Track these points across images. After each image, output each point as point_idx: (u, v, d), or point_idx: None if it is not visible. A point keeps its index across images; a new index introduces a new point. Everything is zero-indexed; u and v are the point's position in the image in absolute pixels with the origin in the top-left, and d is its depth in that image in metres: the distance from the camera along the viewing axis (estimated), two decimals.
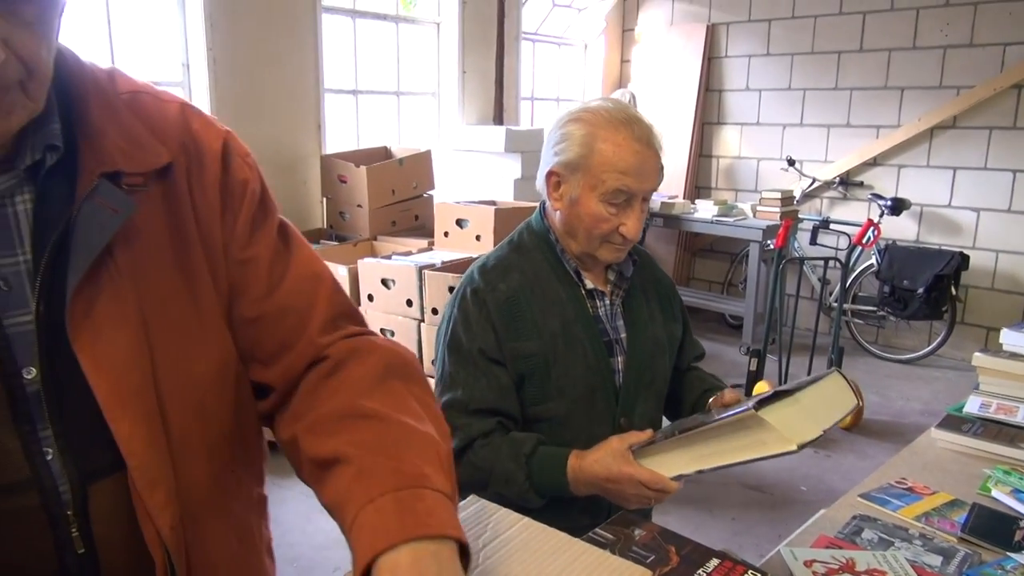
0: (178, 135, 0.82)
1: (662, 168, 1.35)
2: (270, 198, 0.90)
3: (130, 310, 0.75)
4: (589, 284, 1.40)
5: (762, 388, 3.86)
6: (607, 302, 1.42)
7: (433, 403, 0.86)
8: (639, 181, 1.30)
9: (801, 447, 1.06)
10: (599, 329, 1.39)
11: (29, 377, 0.72)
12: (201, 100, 3.70)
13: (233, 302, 0.85)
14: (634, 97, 5.52)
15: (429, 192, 4.35)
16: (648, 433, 1.24)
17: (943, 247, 4.83)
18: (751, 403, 1.10)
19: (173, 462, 0.78)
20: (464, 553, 0.71)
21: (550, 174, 1.36)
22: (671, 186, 5.67)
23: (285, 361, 0.86)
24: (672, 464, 1.19)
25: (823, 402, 1.17)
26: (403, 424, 0.78)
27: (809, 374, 3.98)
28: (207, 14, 3.65)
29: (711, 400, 1.40)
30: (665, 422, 1.50)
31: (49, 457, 0.73)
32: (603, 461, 1.22)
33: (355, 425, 0.78)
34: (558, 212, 1.37)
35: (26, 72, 0.65)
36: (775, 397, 1.10)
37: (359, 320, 0.93)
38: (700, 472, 1.17)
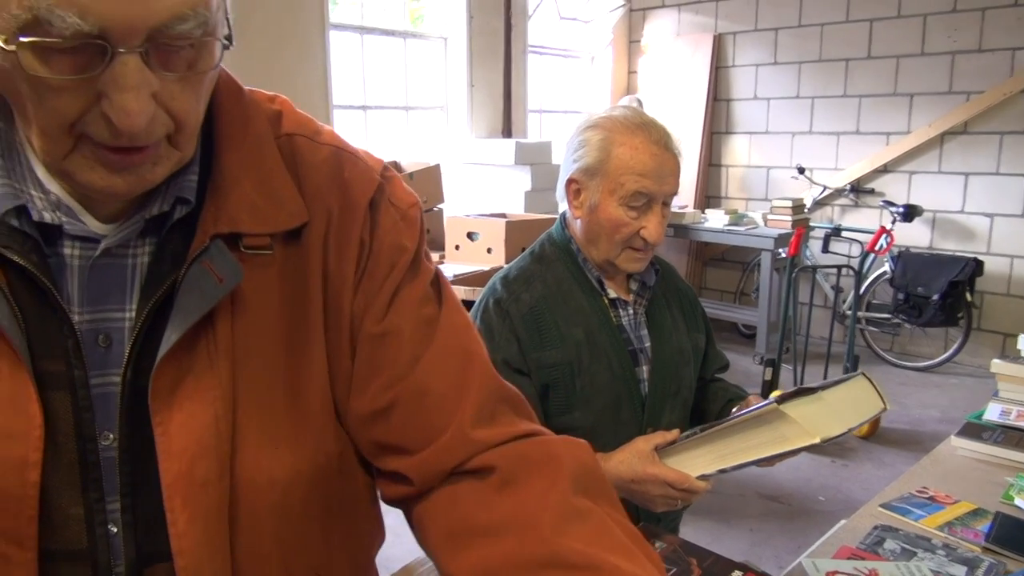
0: (326, 186, 0.73)
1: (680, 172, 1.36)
2: (423, 259, 0.77)
3: (220, 389, 0.67)
4: (612, 293, 1.41)
5: None
6: (630, 311, 1.42)
7: (628, 521, 0.70)
8: (658, 183, 1.31)
9: (825, 441, 1.06)
10: (623, 338, 1.39)
11: (106, 443, 0.66)
12: None
13: (357, 389, 0.73)
14: (640, 103, 5.52)
15: (439, 206, 4.36)
16: (674, 433, 1.24)
17: (957, 253, 4.79)
18: (772, 399, 1.10)
19: (236, 567, 0.69)
20: None
21: (570, 182, 1.37)
22: (681, 196, 5.63)
23: (427, 455, 0.71)
24: (696, 463, 1.19)
25: (848, 403, 1.16)
26: (619, 571, 0.62)
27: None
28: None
29: (735, 409, 1.39)
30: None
31: (113, 532, 0.67)
32: (628, 462, 1.22)
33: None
34: (579, 220, 1.38)
35: (175, 125, 0.61)
36: (797, 394, 1.10)
37: (521, 408, 0.78)
38: (723, 471, 1.16)
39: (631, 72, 6.33)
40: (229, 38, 0.62)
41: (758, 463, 1.13)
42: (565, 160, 1.39)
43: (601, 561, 0.62)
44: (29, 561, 0.64)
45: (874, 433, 3.85)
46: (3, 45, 0.53)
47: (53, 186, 0.65)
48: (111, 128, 0.57)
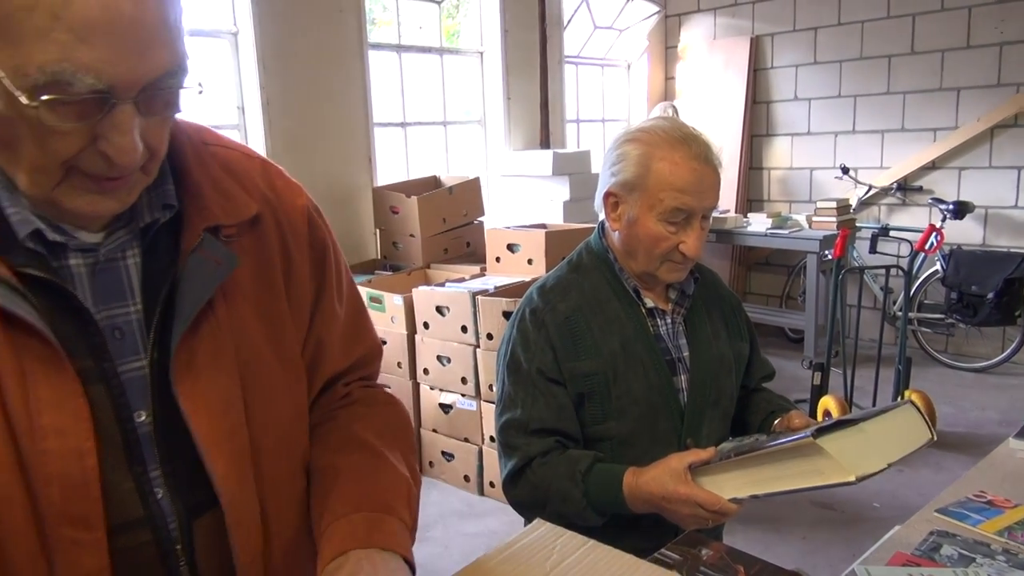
0: (262, 190, 0.89)
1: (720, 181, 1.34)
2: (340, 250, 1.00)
3: (227, 357, 0.81)
4: (649, 303, 1.40)
5: (827, 403, 3.76)
6: (668, 320, 1.41)
7: (414, 458, 0.99)
8: (698, 199, 1.30)
9: (860, 479, 1.03)
10: (660, 348, 1.38)
11: (140, 420, 0.78)
12: (256, 140, 3.82)
13: (311, 345, 0.95)
14: (676, 109, 5.49)
15: (479, 219, 4.39)
16: (710, 452, 1.21)
17: (1012, 250, 4.65)
18: (810, 430, 1.07)
19: (262, 496, 0.85)
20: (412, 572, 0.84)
21: (608, 195, 1.36)
22: (722, 200, 5.60)
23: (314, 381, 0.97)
24: (729, 486, 1.17)
25: (891, 434, 1.12)
26: (387, 462, 0.92)
27: (876, 386, 3.88)
28: (260, 58, 3.78)
29: (776, 422, 1.37)
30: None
31: (159, 496, 0.79)
32: (660, 479, 1.21)
33: (352, 448, 0.92)
34: (617, 232, 1.38)
35: (149, 155, 0.72)
36: (837, 426, 1.07)
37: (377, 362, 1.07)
38: (755, 497, 1.14)
39: (668, 78, 6.31)
40: (200, 86, 0.73)
41: (793, 493, 1.11)
42: (603, 172, 1.38)
43: (381, 452, 0.93)
44: (99, 540, 0.74)
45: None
46: (27, 102, 0.62)
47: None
48: (107, 162, 0.68)
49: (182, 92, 0.71)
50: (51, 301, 0.72)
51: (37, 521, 0.72)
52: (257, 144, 3.83)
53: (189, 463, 0.79)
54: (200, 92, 0.72)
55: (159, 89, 0.68)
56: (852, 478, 1.03)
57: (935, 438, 1.15)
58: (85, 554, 0.74)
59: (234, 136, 3.87)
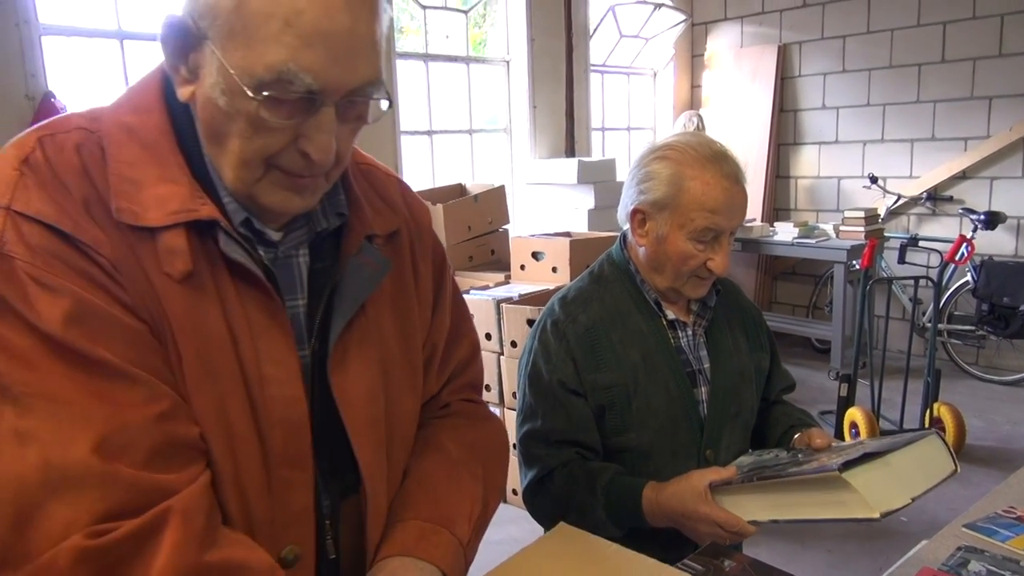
0: (401, 207, 0.99)
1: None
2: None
3: (372, 352, 0.89)
4: (670, 315, 1.39)
5: (854, 415, 3.72)
6: (689, 332, 1.40)
7: (500, 478, 1.04)
8: (728, 218, 1.29)
9: (884, 515, 1.03)
10: (681, 360, 1.37)
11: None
12: None
13: (427, 349, 1.02)
14: (701, 119, 5.48)
15: (504, 226, 4.41)
16: (731, 471, 1.21)
17: None
18: (837, 463, 1.05)
19: (390, 485, 0.92)
20: None
21: (635, 211, 1.35)
22: (748, 209, 5.57)
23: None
24: (749, 507, 1.16)
25: (916, 466, 1.11)
26: (462, 475, 0.97)
27: (904, 398, 3.83)
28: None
29: (796, 437, 1.36)
30: (750, 451, 1.47)
31: (316, 475, 0.85)
32: (680, 496, 1.21)
33: (431, 454, 0.98)
34: (643, 248, 1.37)
35: (335, 163, 0.79)
36: (864, 459, 1.06)
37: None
38: (775, 522, 1.14)
39: (694, 86, 6.29)
40: (390, 99, 0.80)
41: (814, 522, 1.10)
42: (629, 187, 1.37)
43: (459, 464, 0.98)
44: (308, 480, 0.83)
45: (960, 450, 3.69)
46: (251, 95, 0.71)
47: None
48: (305, 160, 0.76)
49: (372, 104, 0.78)
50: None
51: (265, 461, 0.80)
52: None
53: (337, 450, 0.86)
54: (389, 106, 0.80)
55: (358, 97, 0.76)
56: (876, 515, 1.02)
57: (958, 470, 1.14)
58: (296, 493, 0.82)
59: None
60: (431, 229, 1.04)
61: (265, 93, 0.71)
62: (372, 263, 0.88)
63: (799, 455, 1.23)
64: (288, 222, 0.86)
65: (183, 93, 0.77)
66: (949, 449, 1.17)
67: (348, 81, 0.74)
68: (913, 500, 1.06)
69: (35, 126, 0.79)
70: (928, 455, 1.15)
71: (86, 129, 0.78)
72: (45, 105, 3.08)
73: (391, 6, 0.82)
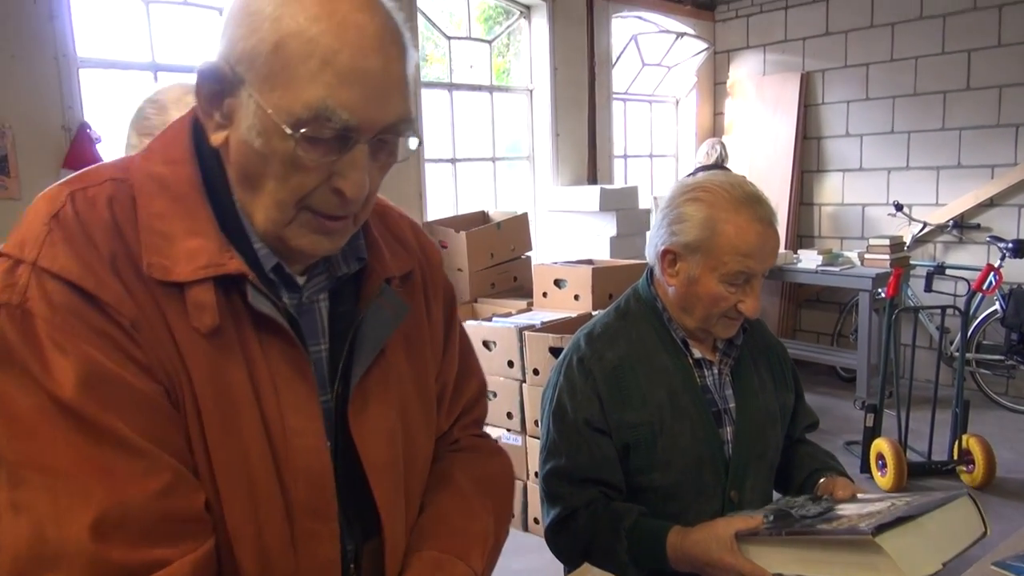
0: (414, 247, 1.00)
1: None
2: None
3: (391, 394, 0.90)
4: (697, 353, 1.38)
5: (881, 446, 3.67)
6: (715, 371, 1.39)
7: (509, 511, 1.07)
8: (760, 262, 1.29)
9: None
10: (707, 399, 1.36)
11: (328, 447, 0.84)
12: None
13: (438, 387, 1.03)
14: (724, 147, 5.48)
15: (527, 254, 4.43)
16: (757, 520, 1.18)
17: None
18: (871, 526, 1.04)
19: (407, 524, 0.93)
20: None
21: (666, 252, 1.35)
22: None
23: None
24: (776, 560, 1.14)
25: (948, 529, 1.10)
26: (475, 509, 0.98)
27: (932, 429, 3.77)
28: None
29: (821, 482, 1.34)
30: (775, 496, 1.45)
31: (340, 519, 0.85)
32: (705, 544, 1.19)
33: (444, 488, 0.99)
34: (672, 288, 1.36)
35: (364, 203, 0.81)
36: (897, 522, 1.05)
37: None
38: None
39: (717, 114, 6.31)
40: (419, 137, 0.82)
41: None
42: (660, 227, 1.36)
43: (472, 497, 0.99)
44: (333, 531, 0.83)
45: (990, 483, 3.62)
46: (289, 131, 0.73)
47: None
48: (338, 198, 0.77)
49: (400, 142, 0.80)
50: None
51: (288, 514, 0.80)
52: None
53: (358, 493, 0.86)
54: (419, 144, 0.82)
55: (389, 135, 0.78)
56: None
57: (989, 533, 1.12)
58: (322, 545, 0.82)
59: None
60: (442, 269, 1.06)
61: (303, 131, 0.73)
62: (391, 306, 0.89)
63: (827, 505, 1.21)
64: (310, 266, 0.87)
65: (216, 139, 0.79)
66: (980, 511, 1.15)
67: (382, 118, 0.75)
68: (944, 565, 1.04)
69: (67, 178, 0.80)
70: (960, 517, 1.13)
71: (117, 180, 0.79)
72: (81, 136, 3.17)
73: (417, 48, 0.86)
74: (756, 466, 1.39)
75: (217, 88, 0.76)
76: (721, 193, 1.29)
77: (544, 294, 3.81)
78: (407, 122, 0.78)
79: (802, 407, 1.53)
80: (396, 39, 0.78)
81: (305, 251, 0.81)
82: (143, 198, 0.78)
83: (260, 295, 0.78)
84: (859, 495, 1.27)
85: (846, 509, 1.18)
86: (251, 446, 0.77)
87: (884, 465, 3.66)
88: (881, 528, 1.02)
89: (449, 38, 4.81)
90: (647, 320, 1.40)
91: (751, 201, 1.29)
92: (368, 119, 0.74)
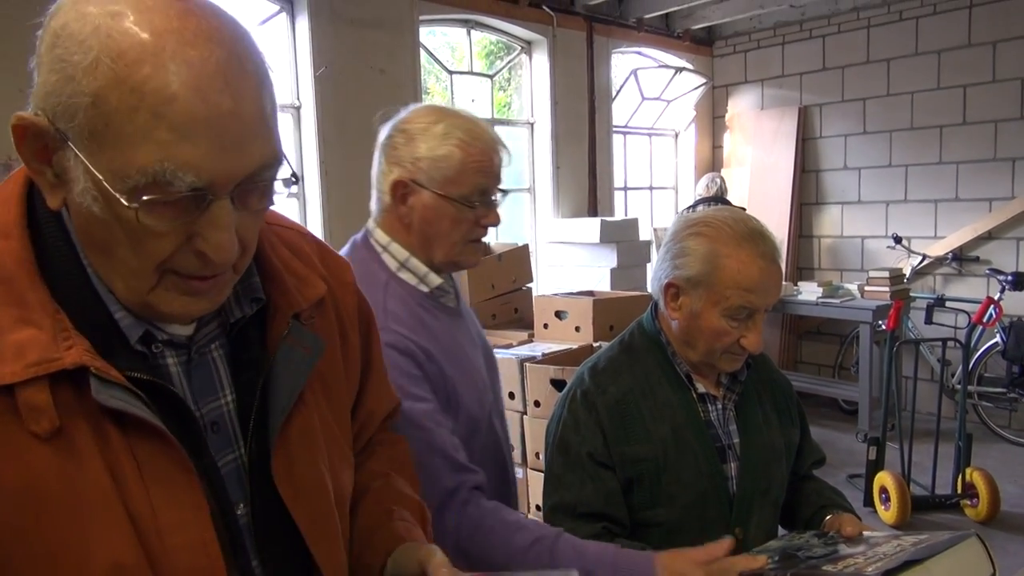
0: (319, 268, 0.90)
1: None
2: None
3: (315, 441, 0.82)
4: (701, 388, 1.38)
5: (884, 480, 3.64)
6: (719, 406, 1.39)
7: (417, 484, 1.04)
8: (763, 297, 1.29)
9: None
10: (711, 434, 1.36)
11: (239, 512, 0.76)
12: (313, 208, 3.97)
13: (363, 415, 0.99)
14: (723, 180, 5.53)
15: (528, 285, 4.44)
16: (760, 561, 1.15)
17: None
18: (878, 571, 1.02)
19: (343, 563, 0.85)
20: None
21: (668, 285, 1.34)
22: None
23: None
24: None
25: (956, 570, 1.09)
26: (404, 490, 0.98)
27: (935, 462, 3.74)
28: (320, 131, 3.96)
29: (828, 519, 1.33)
30: (781, 531, 1.44)
31: None
32: None
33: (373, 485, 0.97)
34: (675, 321, 1.36)
35: (241, 251, 0.70)
36: (904, 566, 1.03)
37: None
38: None
39: (715, 147, 6.37)
40: (294, 176, 0.73)
41: None
42: (663, 261, 1.36)
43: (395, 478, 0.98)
44: None
45: (994, 517, 3.59)
46: (126, 203, 0.62)
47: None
48: (202, 260, 0.67)
49: (275, 184, 0.70)
50: (154, 400, 0.70)
51: None
52: (314, 211, 3.97)
53: (286, 550, 0.79)
54: (294, 183, 0.74)
55: (255, 182, 0.67)
56: None
57: (997, 574, 1.11)
58: None
59: (293, 205, 4.02)
60: (354, 286, 0.95)
61: (143, 198, 0.62)
62: (304, 344, 0.80)
63: (830, 543, 1.20)
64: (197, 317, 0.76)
65: (53, 200, 0.67)
66: (989, 551, 1.14)
67: (239, 169, 0.64)
68: None
69: None
70: (968, 558, 1.12)
71: None
72: None
73: (272, 69, 0.68)
74: (761, 502, 1.37)
75: (40, 144, 0.65)
76: (724, 228, 1.30)
77: (545, 325, 3.81)
78: (274, 164, 0.68)
79: (808, 443, 1.52)
80: (246, 68, 0.64)
81: (177, 316, 0.71)
82: None
83: (109, 387, 0.66)
84: (866, 533, 1.26)
85: (852, 549, 1.17)
86: (119, 553, 0.66)
87: (888, 499, 3.63)
88: (889, 573, 1.01)
89: (451, 72, 4.88)
90: (651, 354, 1.40)
91: (754, 236, 1.29)
92: (222, 174, 0.63)
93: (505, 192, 1.38)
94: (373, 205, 1.38)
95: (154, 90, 0.60)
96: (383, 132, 1.36)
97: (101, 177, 0.62)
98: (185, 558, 0.69)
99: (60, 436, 0.65)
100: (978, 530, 3.37)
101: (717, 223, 1.31)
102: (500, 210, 1.38)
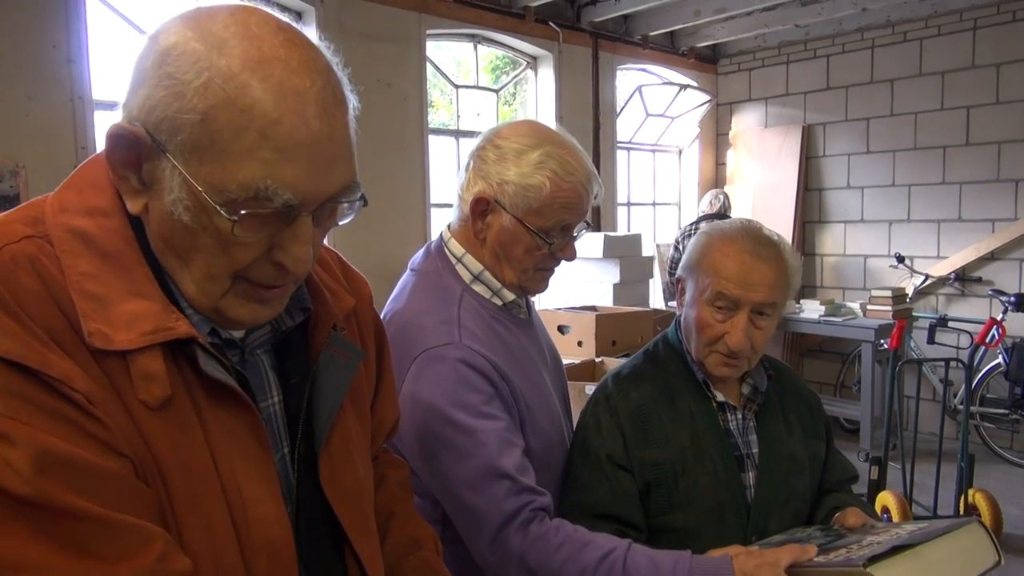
0: (343, 279, 0.94)
1: (784, 284, 1.34)
2: None
3: (351, 445, 0.86)
4: (720, 397, 1.40)
5: (886, 499, 3.62)
6: (739, 416, 1.41)
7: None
8: (742, 288, 1.31)
9: None
10: (730, 443, 1.38)
11: (287, 509, 0.78)
12: None
13: (373, 425, 1.01)
14: (727, 197, 5.54)
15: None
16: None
17: None
18: (864, 556, 1.01)
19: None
20: None
21: (678, 280, 1.43)
22: None
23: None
24: None
25: (952, 557, 1.06)
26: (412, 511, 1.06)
27: (937, 482, 3.73)
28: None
29: (836, 516, 1.34)
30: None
31: None
32: None
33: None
34: (682, 316, 1.43)
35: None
36: (893, 551, 1.02)
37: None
38: None
39: (719, 164, 6.39)
40: (363, 198, 0.76)
41: None
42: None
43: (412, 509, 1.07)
44: None
45: (996, 540, 3.56)
46: (225, 215, 0.66)
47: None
48: (279, 271, 0.72)
49: (345, 204, 0.74)
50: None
51: None
52: None
53: (323, 547, 0.83)
54: (364, 205, 0.76)
55: (335, 202, 0.72)
56: None
57: (1002, 561, 1.08)
58: None
59: None
60: (371, 301, 1.00)
61: (242, 212, 0.66)
62: (343, 353, 0.85)
63: (832, 535, 1.19)
64: None
65: (134, 206, 0.70)
66: (992, 537, 1.12)
67: (327, 190, 0.70)
68: None
69: None
70: (967, 544, 1.09)
71: (33, 236, 0.69)
72: None
73: (354, 92, 0.76)
74: (779, 513, 1.38)
75: (133, 154, 0.68)
76: (723, 226, 1.38)
77: None
78: (354, 187, 0.73)
79: (834, 458, 1.51)
80: (339, 98, 0.70)
81: (244, 322, 0.75)
82: (69, 258, 0.68)
83: (212, 359, 0.71)
84: (868, 523, 1.24)
85: (850, 539, 1.16)
86: (214, 520, 0.70)
87: (889, 519, 3.61)
88: (875, 559, 0.99)
89: (456, 86, 4.90)
90: (674, 363, 1.43)
91: (747, 235, 1.34)
92: (313, 193, 0.68)
93: (588, 225, 1.35)
94: (453, 213, 1.36)
95: (262, 113, 0.64)
96: (477, 140, 1.32)
97: (200, 189, 0.66)
98: (263, 530, 0.73)
99: (169, 406, 0.68)
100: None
101: (720, 224, 1.40)
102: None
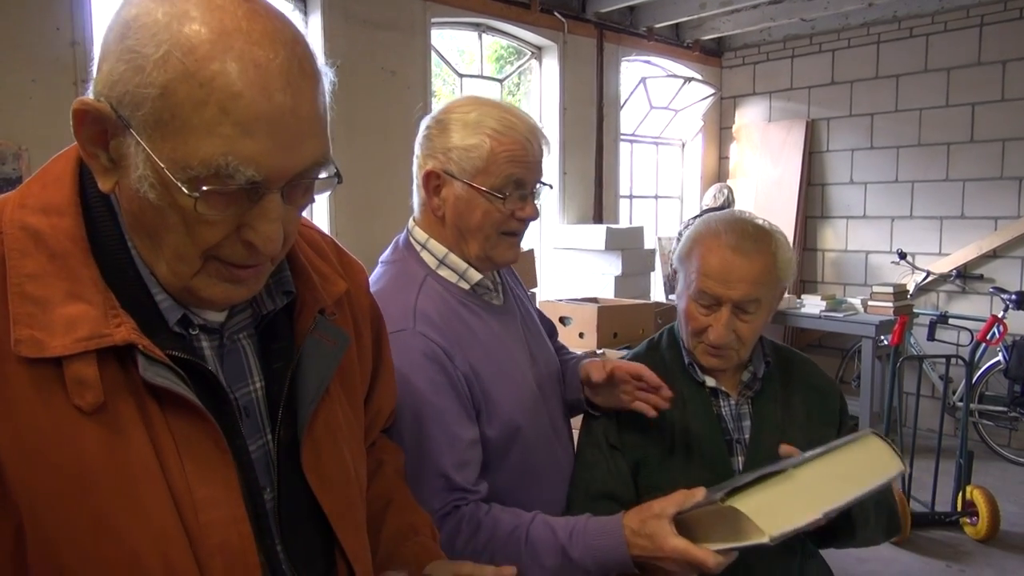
0: (337, 266, 0.93)
1: (769, 279, 1.34)
2: None
3: (340, 432, 0.85)
4: (711, 382, 1.43)
5: None
6: (732, 402, 1.43)
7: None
8: (722, 286, 1.33)
9: (775, 540, 0.96)
10: (721, 427, 1.41)
11: (267, 497, 0.78)
12: (321, 209, 3.96)
13: (371, 414, 1.02)
14: (731, 190, 5.53)
15: (532, 290, 4.44)
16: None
17: None
18: (720, 492, 1.01)
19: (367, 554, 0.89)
20: None
21: (674, 272, 1.47)
22: None
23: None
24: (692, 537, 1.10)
25: (849, 473, 1.04)
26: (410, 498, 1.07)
27: (936, 479, 3.74)
28: (331, 132, 3.95)
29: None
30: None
31: (286, 571, 0.79)
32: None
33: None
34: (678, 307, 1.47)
35: (281, 247, 0.73)
36: (760, 479, 1.02)
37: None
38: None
39: (722, 158, 6.38)
40: (338, 175, 0.74)
41: (728, 551, 1.04)
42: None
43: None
44: None
45: (993, 536, 3.58)
46: (187, 192, 0.64)
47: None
48: (249, 249, 0.70)
49: (319, 181, 0.73)
50: (191, 382, 0.72)
51: None
52: (322, 212, 3.97)
53: (308, 536, 0.81)
54: (339, 182, 0.74)
55: (304, 179, 0.70)
56: (766, 538, 0.95)
57: (906, 469, 1.08)
58: None
59: None
60: (367, 287, 0.99)
61: (204, 188, 0.64)
62: (330, 338, 0.83)
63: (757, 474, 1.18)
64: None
65: (104, 184, 0.69)
66: (892, 446, 1.11)
67: (294, 166, 0.67)
68: (825, 516, 0.99)
69: None
70: (864, 457, 1.08)
71: None
72: None
73: (329, 68, 0.73)
74: None
75: (99, 130, 0.67)
76: (713, 220, 1.40)
77: None
78: (324, 163, 0.71)
79: None
80: (306, 70, 0.67)
81: (217, 301, 0.74)
82: (14, 258, 0.67)
83: (154, 364, 0.68)
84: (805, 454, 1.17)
85: (753, 474, 1.11)
86: (163, 525, 0.68)
87: None
88: (736, 490, 0.99)
89: (461, 76, 4.88)
90: (672, 350, 1.48)
91: (732, 230, 1.35)
92: (278, 169, 0.66)
93: (547, 184, 1.34)
94: (413, 202, 1.36)
95: (222, 86, 0.62)
96: (422, 124, 1.33)
97: (163, 165, 0.64)
98: (218, 533, 0.71)
99: (104, 411, 0.67)
100: (978, 548, 3.34)
101: (710, 217, 1.42)
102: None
